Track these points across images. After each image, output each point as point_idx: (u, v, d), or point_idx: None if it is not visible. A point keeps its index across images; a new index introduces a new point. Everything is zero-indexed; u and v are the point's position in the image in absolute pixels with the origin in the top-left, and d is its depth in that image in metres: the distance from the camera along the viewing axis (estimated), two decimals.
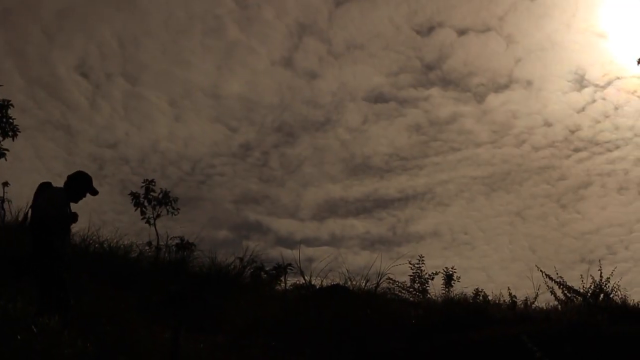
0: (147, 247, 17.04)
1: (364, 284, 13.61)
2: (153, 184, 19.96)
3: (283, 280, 16.54)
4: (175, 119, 44.22)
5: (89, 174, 8.73)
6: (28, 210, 8.40)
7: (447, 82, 46.11)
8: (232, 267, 15.20)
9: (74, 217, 8.30)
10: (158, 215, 20.02)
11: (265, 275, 16.51)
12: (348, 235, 37.44)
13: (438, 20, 46.61)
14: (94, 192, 8.68)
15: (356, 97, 45.65)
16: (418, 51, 46.26)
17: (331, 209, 41.15)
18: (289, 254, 20.77)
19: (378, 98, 45.29)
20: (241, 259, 15.35)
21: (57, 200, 8.21)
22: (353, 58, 46.47)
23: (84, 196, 8.59)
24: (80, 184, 8.56)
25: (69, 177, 8.55)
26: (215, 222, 35.45)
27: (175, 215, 20.18)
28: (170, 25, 45.33)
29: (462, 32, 47.11)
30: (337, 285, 13.90)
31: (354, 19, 46.96)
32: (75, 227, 14.37)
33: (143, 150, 40.75)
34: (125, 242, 15.52)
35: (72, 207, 8.50)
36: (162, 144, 42.24)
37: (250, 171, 42.89)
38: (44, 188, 8.36)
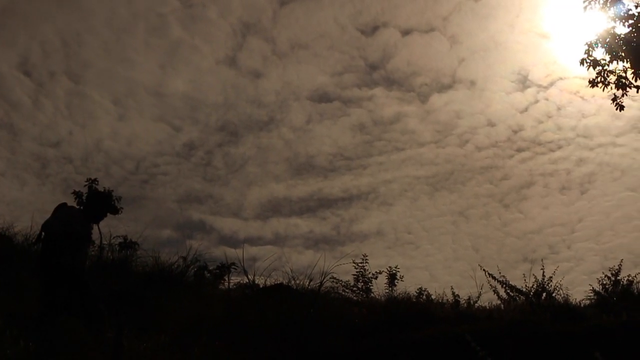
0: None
1: (307, 283, 13.40)
2: (96, 182, 19.41)
3: (226, 279, 16.28)
4: (118, 118, 43.71)
5: (105, 191, 8.78)
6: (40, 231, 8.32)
7: (391, 82, 46.48)
8: (175, 266, 14.83)
9: (86, 236, 8.39)
10: None
11: (208, 275, 16.22)
12: (292, 235, 37.36)
13: (382, 21, 46.99)
14: (115, 211, 8.85)
15: (300, 97, 45.66)
16: (362, 51, 46.55)
17: (275, 208, 41.04)
18: (233, 253, 20.65)
19: (322, 98, 45.39)
20: (184, 258, 15.04)
21: (65, 218, 8.16)
22: (297, 58, 46.51)
23: (105, 215, 8.63)
24: (97, 205, 8.57)
25: (86, 198, 8.61)
26: (159, 221, 35.11)
27: (118, 214, 19.74)
28: (113, 23, 44.73)
29: (406, 32, 47.58)
30: (281, 284, 13.74)
31: (299, 18, 46.99)
32: (17, 227, 14.11)
33: (86, 149, 40.16)
34: None
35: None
36: (105, 143, 41.73)
37: (194, 170, 42.59)
38: (59, 208, 8.31)
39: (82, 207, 8.70)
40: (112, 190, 19.26)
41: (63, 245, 8.05)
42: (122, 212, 8.75)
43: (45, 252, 8.13)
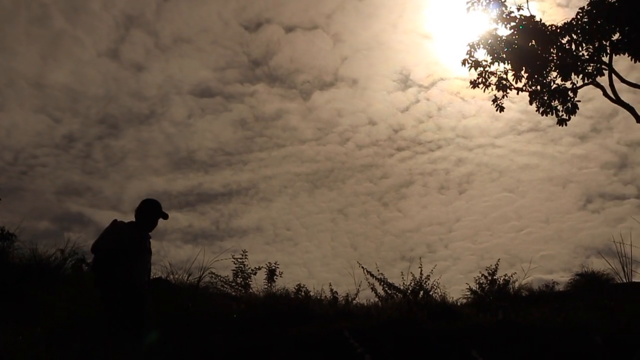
0: None
1: (186, 277, 13.15)
2: None
3: None
4: None
5: (155, 199, 8.56)
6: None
7: (273, 79, 46.25)
8: (53, 259, 14.48)
9: (138, 249, 8.19)
10: None
11: (87, 268, 15.52)
12: (171, 229, 36.49)
13: (266, 17, 46.63)
14: (165, 216, 8.60)
15: (182, 91, 44.78)
16: (245, 47, 46.14)
17: None
18: None
19: (204, 92, 44.69)
20: (62, 251, 14.53)
21: (111, 236, 8.01)
22: (180, 52, 45.62)
23: (156, 223, 8.55)
24: (146, 214, 8.42)
25: (136, 209, 8.40)
26: (37, 213, 33.60)
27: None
28: None
29: (289, 29, 47.45)
30: (159, 278, 13.25)
31: (182, 12, 46.10)
32: None
33: None
34: None
35: None
36: None
37: (73, 162, 41.05)
38: (109, 226, 8.19)
39: (134, 220, 8.37)
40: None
41: (113, 262, 7.82)
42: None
43: (98, 271, 7.90)
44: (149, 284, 8.54)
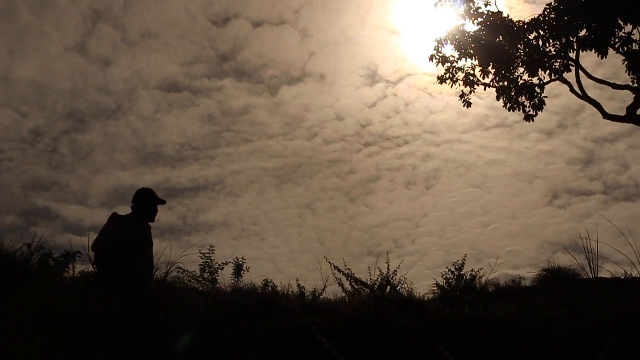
0: None
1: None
2: None
3: (72, 268, 15.44)
4: None
5: (146, 188, 8.34)
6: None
7: (241, 74, 46.02)
8: (19, 253, 14.04)
9: (141, 240, 8.05)
10: None
11: (53, 263, 15.33)
12: None
13: (234, 12, 46.39)
14: (163, 202, 8.36)
15: (149, 86, 44.40)
16: (213, 42, 45.86)
17: (121, 197, 39.74)
18: (79, 241, 19.85)
19: (172, 87, 44.36)
20: (29, 246, 14.23)
21: (114, 232, 7.84)
22: (148, 46, 45.20)
23: (157, 211, 8.33)
24: (144, 203, 8.22)
25: (133, 201, 8.16)
26: (3, 207, 33.05)
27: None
28: None
29: (257, 24, 47.15)
30: None
31: (150, 7, 45.70)
32: None
33: None
34: None
35: None
36: None
37: (39, 157, 40.48)
38: (109, 222, 8.02)
39: (132, 212, 8.17)
40: None
41: (116, 259, 7.67)
42: None
43: (101, 270, 7.77)
44: (151, 276, 8.41)
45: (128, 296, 7.69)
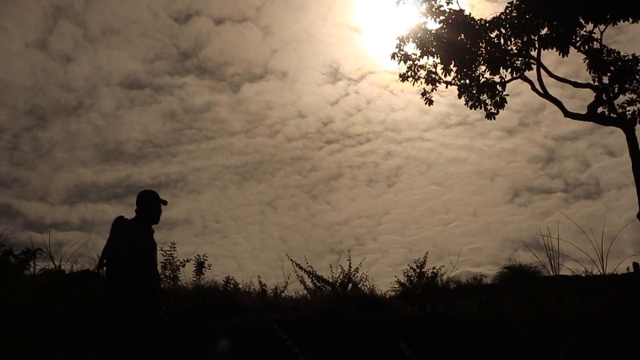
0: None
1: None
2: None
3: (32, 264, 15.29)
4: None
5: (148, 189, 8.08)
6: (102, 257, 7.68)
7: (203, 71, 46.07)
8: None
9: (151, 245, 7.77)
10: None
11: (13, 260, 15.18)
12: (99, 220, 36.29)
13: (196, 9, 46.34)
14: (164, 202, 8.09)
15: (111, 83, 44.17)
16: (175, 39, 45.84)
17: (82, 194, 39.68)
18: (39, 238, 19.81)
19: (133, 84, 44.21)
20: None
21: (127, 239, 7.48)
22: (109, 43, 45.05)
23: (161, 211, 8.05)
24: (150, 205, 7.92)
25: (138, 204, 7.86)
26: None
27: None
28: None
29: (219, 22, 47.23)
30: (87, 270, 13.22)
31: (111, 3, 45.50)
32: None
33: None
34: None
35: None
36: None
37: (0, 154, 39.92)
38: (115, 227, 7.70)
39: (136, 215, 7.90)
40: None
41: (129, 267, 7.37)
42: None
43: (114, 279, 7.41)
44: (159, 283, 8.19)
45: (142, 307, 7.46)
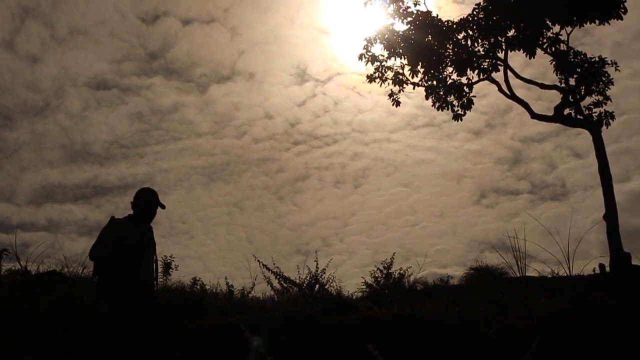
0: None
1: (81, 270, 12.95)
2: None
3: None
4: None
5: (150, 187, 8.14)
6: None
7: (170, 72, 45.79)
8: None
9: (141, 242, 7.76)
10: None
11: None
12: (66, 221, 35.98)
13: (163, 9, 46.07)
14: (162, 206, 8.06)
15: (78, 83, 43.76)
16: (142, 39, 45.52)
17: (49, 195, 39.36)
18: (5, 238, 19.73)
19: (100, 85, 43.85)
20: None
21: (110, 237, 7.63)
22: (76, 43, 44.61)
23: (154, 213, 8.08)
24: (142, 204, 7.98)
25: (134, 201, 7.96)
26: None
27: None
28: None
29: (186, 22, 46.98)
30: (54, 271, 13.18)
31: (78, 4, 45.08)
32: None
33: None
34: None
35: None
36: None
37: None
38: (106, 227, 7.78)
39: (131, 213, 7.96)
40: None
41: (115, 265, 7.49)
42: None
43: (101, 278, 7.57)
44: (156, 279, 8.19)
45: (132, 305, 7.52)
